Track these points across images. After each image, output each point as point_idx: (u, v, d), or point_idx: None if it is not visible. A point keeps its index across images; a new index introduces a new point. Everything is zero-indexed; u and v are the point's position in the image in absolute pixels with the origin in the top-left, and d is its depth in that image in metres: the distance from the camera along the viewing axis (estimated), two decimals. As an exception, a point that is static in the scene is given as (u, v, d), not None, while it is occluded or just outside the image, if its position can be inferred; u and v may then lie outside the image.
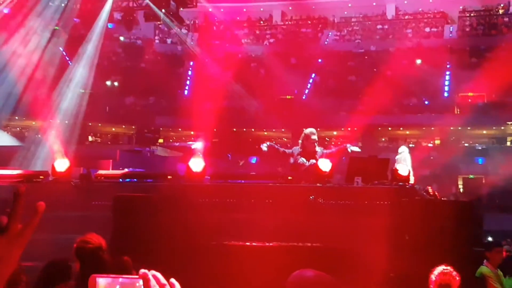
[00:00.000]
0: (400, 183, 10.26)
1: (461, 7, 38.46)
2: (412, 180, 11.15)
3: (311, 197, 9.92)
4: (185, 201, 9.93)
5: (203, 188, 10.71)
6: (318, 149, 11.02)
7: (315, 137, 10.95)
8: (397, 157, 15.35)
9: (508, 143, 31.67)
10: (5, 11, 24.42)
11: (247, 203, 10.06)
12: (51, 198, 10.87)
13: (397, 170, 10.49)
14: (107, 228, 9.12)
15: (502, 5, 37.89)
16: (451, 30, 37.92)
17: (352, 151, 11.15)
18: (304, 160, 10.88)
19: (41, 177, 11.73)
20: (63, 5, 21.68)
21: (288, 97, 33.62)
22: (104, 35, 27.31)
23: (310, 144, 10.92)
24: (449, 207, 9.50)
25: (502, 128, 31.79)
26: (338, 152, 11.53)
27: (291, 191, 10.43)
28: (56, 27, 26.47)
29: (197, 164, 10.99)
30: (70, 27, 26.94)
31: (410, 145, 31.99)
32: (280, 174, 11.58)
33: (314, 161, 10.79)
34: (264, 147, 11.19)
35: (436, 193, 13.97)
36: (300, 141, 11.13)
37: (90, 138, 33.12)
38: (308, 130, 11.08)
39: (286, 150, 11.27)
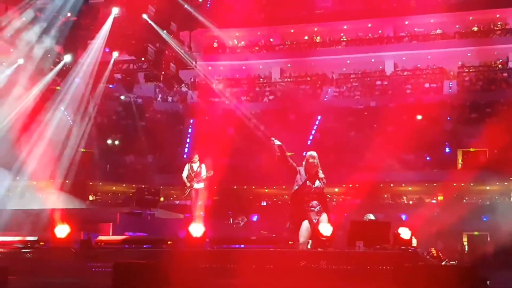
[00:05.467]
0: (403, 247, 10.17)
1: (459, 63, 38.82)
2: (414, 243, 11.04)
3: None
4: (186, 268, 9.85)
5: (203, 253, 10.63)
6: (322, 175, 11.08)
7: (313, 160, 11.05)
8: None
9: (512, 199, 31.49)
10: (8, 72, 24.55)
11: (247, 269, 9.94)
12: (50, 265, 10.83)
13: (399, 233, 10.42)
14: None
15: (500, 60, 38.28)
16: (450, 85, 38.18)
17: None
18: (310, 182, 10.96)
19: (41, 243, 11.69)
20: (64, 68, 21.87)
21: (288, 153, 33.55)
22: (105, 94, 27.48)
23: (310, 166, 10.99)
24: (452, 273, 9.36)
25: (506, 183, 31.64)
26: None
27: (292, 256, 10.33)
28: (58, 87, 26.62)
29: (197, 229, 10.94)
30: (72, 88, 27.10)
31: (411, 202, 32.04)
32: (284, 236, 11.48)
33: (318, 183, 10.94)
34: (276, 141, 11.10)
35: (440, 254, 13.83)
36: (303, 163, 11.16)
37: (90, 197, 33.02)
38: (308, 154, 11.25)
39: (297, 167, 11.18)
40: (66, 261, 11.00)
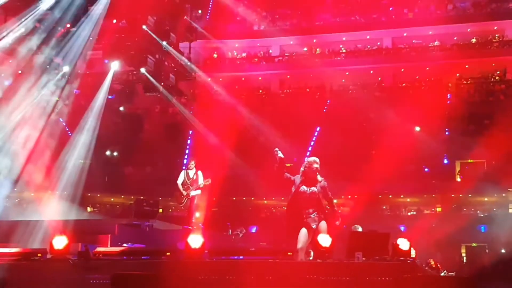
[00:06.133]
0: (402, 258, 10.16)
1: (457, 75, 38.87)
2: (413, 254, 11.03)
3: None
4: (184, 279, 9.83)
5: (202, 265, 10.61)
6: (320, 178, 11.12)
7: (317, 165, 11.20)
8: None
9: (510, 210, 31.40)
10: (7, 83, 24.57)
11: (246, 280, 9.92)
12: (48, 276, 10.80)
13: (398, 244, 10.40)
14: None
15: (498, 72, 38.33)
16: (448, 97, 38.18)
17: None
18: (305, 188, 11.03)
19: (39, 255, 11.66)
20: (63, 79, 21.96)
21: (288, 165, 33.43)
22: (104, 105, 27.47)
23: (312, 172, 11.08)
24: (451, 284, 9.35)
25: (504, 195, 31.62)
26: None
27: (291, 267, 10.31)
28: (57, 98, 26.65)
29: (196, 240, 10.92)
30: (70, 99, 27.10)
31: (409, 213, 31.99)
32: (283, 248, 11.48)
33: (314, 188, 11.06)
34: (280, 153, 11.27)
35: (439, 265, 13.82)
36: (302, 169, 11.23)
37: (88, 209, 32.96)
38: (312, 159, 11.38)
39: (291, 177, 11.32)
40: (64, 272, 10.97)
